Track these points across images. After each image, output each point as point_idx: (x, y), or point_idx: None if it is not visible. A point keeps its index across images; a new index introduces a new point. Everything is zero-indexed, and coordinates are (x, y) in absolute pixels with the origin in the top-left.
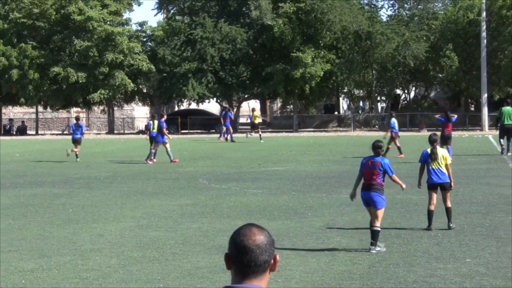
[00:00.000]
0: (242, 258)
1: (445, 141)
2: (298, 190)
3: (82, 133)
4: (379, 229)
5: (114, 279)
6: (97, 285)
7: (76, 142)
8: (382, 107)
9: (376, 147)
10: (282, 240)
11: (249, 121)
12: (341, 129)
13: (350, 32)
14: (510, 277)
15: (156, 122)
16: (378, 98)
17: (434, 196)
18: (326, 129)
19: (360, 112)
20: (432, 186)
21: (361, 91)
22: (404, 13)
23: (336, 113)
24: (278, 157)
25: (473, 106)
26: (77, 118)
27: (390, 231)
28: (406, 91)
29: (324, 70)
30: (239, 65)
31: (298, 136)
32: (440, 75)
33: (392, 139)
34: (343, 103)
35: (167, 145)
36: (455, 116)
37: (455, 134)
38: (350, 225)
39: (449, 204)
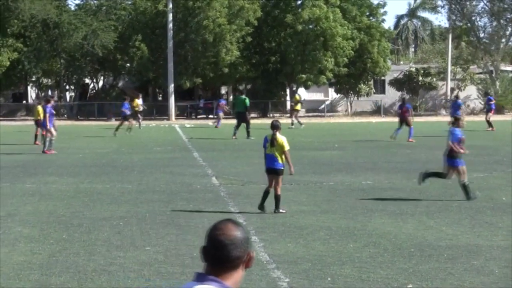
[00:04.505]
0: (215, 252)
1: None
2: None
3: None
4: None
5: None
6: None
7: None
8: (71, 96)
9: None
10: None
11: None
12: (29, 118)
13: (39, 21)
14: (188, 264)
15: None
16: (67, 87)
17: (271, 180)
18: (14, 118)
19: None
20: (267, 171)
21: (50, 80)
22: (92, 3)
23: (24, 102)
24: None
25: (160, 95)
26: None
27: (72, 220)
28: (94, 80)
29: (11, 59)
30: None
31: None
32: (128, 65)
33: None
34: (32, 92)
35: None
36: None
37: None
38: (33, 215)
39: (278, 191)
